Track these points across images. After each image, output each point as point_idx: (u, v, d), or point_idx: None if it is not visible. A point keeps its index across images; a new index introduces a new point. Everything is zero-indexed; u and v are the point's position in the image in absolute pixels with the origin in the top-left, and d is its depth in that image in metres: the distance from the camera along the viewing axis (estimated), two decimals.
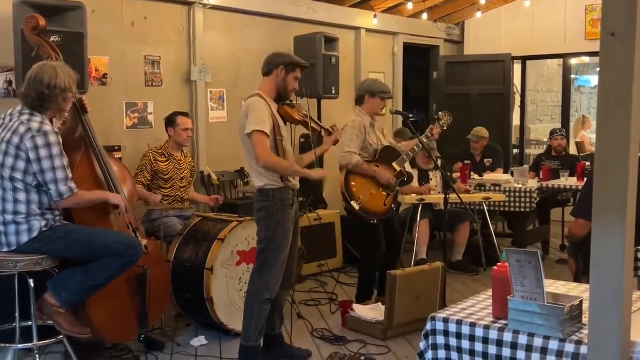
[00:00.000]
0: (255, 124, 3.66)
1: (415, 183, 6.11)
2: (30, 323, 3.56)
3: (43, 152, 3.37)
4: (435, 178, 6.44)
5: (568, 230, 4.27)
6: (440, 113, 5.43)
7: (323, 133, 4.12)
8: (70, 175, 3.47)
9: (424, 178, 6.36)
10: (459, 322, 2.43)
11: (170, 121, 5.08)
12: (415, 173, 6.21)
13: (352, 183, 4.78)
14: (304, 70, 3.98)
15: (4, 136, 3.43)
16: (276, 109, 3.83)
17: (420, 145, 5.00)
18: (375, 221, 4.80)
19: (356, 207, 4.73)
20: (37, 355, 3.59)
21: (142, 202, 4.82)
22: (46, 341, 3.63)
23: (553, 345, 2.21)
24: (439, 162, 5.56)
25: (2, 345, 3.63)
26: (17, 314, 3.63)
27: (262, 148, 3.66)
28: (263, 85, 3.90)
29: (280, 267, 3.81)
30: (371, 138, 4.87)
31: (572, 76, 11.50)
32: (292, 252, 3.93)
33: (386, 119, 7.21)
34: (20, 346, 3.64)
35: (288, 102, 3.93)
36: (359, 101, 4.92)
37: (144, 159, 4.99)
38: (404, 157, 5.01)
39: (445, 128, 5.43)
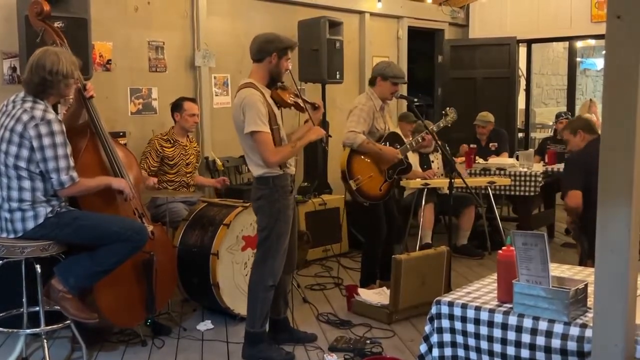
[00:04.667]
0: (254, 124, 3.57)
1: (417, 167, 6.09)
2: (38, 308, 3.59)
3: (46, 141, 3.37)
4: (437, 160, 6.43)
5: (565, 208, 4.26)
6: (447, 109, 5.38)
7: (309, 109, 3.94)
8: (72, 164, 3.47)
9: (425, 162, 6.35)
10: (464, 306, 2.44)
11: (176, 106, 5.08)
12: (416, 157, 6.20)
13: (354, 162, 4.76)
14: (294, 48, 3.87)
15: (7, 124, 3.43)
16: (269, 95, 3.74)
17: (424, 136, 4.98)
18: (367, 204, 4.79)
19: (353, 186, 4.71)
20: (45, 340, 3.61)
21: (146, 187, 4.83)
22: (53, 326, 3.66)
23: (558, 328, 2.22)
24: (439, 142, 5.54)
25: (10, 330, 3.67)
26: (24, 300, 3.67)
27: (268, 149, 3.61)
28: (254, 72, 3.78)
29: (282, 253, 3.79)
30: (378, 123, 4.83)
31: (578, 59, 11.43)
32: (292, 237, 3.91)
33: (392, 104, 7.16)
34: (28, 331, 3.68)
35: (279, 84, 3.82)
36: (372, 82, 4.88)
37: (148, 145, 5.00)
38: (407, 145, 4.99)
39: (450, 125, 5.39)
